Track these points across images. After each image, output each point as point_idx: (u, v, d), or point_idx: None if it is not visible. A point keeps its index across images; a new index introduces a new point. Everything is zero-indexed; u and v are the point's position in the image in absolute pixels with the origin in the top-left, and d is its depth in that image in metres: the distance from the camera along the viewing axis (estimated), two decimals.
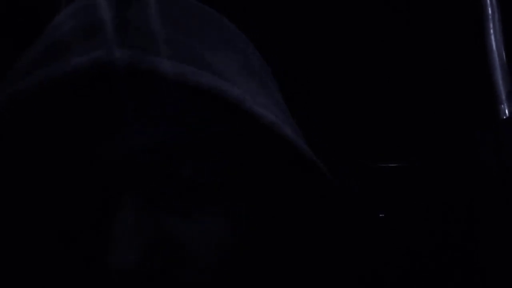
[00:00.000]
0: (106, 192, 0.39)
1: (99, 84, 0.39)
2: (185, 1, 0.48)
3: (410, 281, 0.86)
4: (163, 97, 0.40)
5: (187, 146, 0.41)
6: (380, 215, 0.90)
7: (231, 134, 0.42)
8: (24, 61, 0.45)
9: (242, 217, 0.43)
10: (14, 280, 0.41)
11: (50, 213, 0.40)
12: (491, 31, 1.00)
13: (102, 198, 0.39)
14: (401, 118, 1.04)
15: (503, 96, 0.97)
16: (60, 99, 0.39)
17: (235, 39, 0.49)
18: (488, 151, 0.97)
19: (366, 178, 0.94)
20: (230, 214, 0.42)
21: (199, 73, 0.40)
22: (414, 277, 0.86)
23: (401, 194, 0.95)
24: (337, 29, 0.98)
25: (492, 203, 0.93)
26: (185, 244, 0.40)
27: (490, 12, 1.01)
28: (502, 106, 0.97)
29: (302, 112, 0.52)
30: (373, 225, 0.88)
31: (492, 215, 0.92)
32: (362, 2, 1.03)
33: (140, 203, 0.39)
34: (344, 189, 0.47)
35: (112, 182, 0.39)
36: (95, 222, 0.39)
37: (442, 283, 0.87)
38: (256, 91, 0.45)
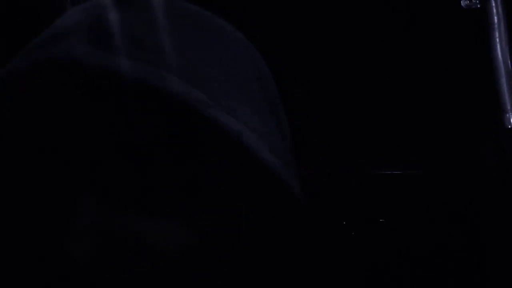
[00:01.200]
0: (70, 189, 0.40)
1: (58, 79, 0.40)
2: (188, 10, 0.48)
3: (412, 286, 0.85)
4: (118, 97, 0.41)
5: (151, 150, 0.41)
6: (380, 220, 0.89)
7: (199, 146, 0.42)
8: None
9: (205, 221, 0.43)
10: None
11: (15, 205, 0.41)
12: (497, 40, 0.99)
13: (66, 195, 0.40)
14: (404, 126, 1.03)
15: (509, 105, 0.96)
16: (25, 91, 0.41)
17: (233, 49, 0.48)
18: (492, 160, 0.96)
19: (367, 184, 0.93)
20: (191, 219, 0.42)
21: (158, 75, 0.40)
22: (415, 282, 0.85)
23: (402, 199, 0.94)
24: (342, 31, 0.98)
25: (496, 213, 0.92)
26: (142, 244, 0.40)
27: (496, 21, 1.00)
28: (507, 115, 0.96)
29: (302, 112, 0.52)
30: (374, 230, 0.88)
31: (495, 224, 0.91)
32: (365, 11, 1.03)
33: (103, 201, 0.40)
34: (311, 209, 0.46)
35: (76, 179, 0.40)
36: (59, 216, 0.40)
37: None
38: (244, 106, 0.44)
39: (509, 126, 0.96)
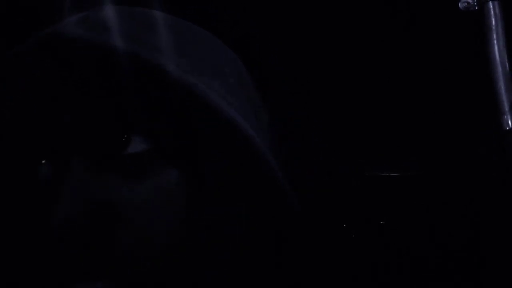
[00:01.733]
0: (59, 152, 0.42)
1: (47, 54, 0.43)
2: (179, 22, 0.50)
3: (412, 286, 0.85)
4: (109, 72, 0.42)
5: (134, 118, 0.43)
6: (381, 222, 0.90)
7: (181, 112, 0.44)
8: None
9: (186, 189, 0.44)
10: None
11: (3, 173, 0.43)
12: (495, 42, 1.00)
13: (55, 159, 0.42)
14: (403, 128, 1.03)
15: (506, 107, 0.96)
16: (24, 66, 0.44)
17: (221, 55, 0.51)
18: (490, 162, 0.96)
19: (367, 186, 0.94)
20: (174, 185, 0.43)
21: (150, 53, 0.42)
22: (415, 282, 0.85)
23: (401, 201, 0.94)
24: (343, 33, 0.98)
25: (495, 214, 0.92)
26: (123, 207, 0.41)
27: (493, 23, 1.01)
28: (505, 117, 0.96)
29: (303, 113, 0.52)
30: (374, 232, 0.88)
31: (494, 225, 0.91)
32: (365, 13, 1.03)
33: (88, 166, 0.41)
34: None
35: (65, 145, 0.42)
36: (45, 182, 0.42)
37: None
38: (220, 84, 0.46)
39: (507, 128, 0.96)
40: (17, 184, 0.43)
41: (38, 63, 0.43)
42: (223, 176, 0.45)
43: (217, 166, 0.45)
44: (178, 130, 0.44)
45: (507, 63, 0.98)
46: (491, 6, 1.00)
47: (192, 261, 0.43)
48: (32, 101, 0.44)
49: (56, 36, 0.43)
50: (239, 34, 0.53)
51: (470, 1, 1.02)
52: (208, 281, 0.44)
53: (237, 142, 0.44)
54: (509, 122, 0.96)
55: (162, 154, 0.43)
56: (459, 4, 1.02)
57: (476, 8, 1.02)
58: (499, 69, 0.98)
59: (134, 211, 0.42)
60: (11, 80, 0.45)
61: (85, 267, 0.40)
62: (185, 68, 0.44)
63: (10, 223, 0.43)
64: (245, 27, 0.50)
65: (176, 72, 0.43)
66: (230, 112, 0.44)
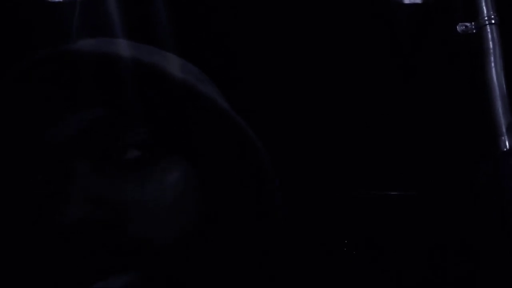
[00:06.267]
0: (65, 158, 0.44)
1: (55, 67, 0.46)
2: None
3: None
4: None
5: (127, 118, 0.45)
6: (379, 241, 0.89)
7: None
8: None
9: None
10: None
11: (17, 177, 0.45)
12: (492, 64, 1.01)
13: (61, 164, 0.44)
14: (401, 149, 1.04)
15: (504, 128, 0.97)
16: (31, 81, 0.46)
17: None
18: (488, 183, 0.96)
19: (366, 204, 0.94)
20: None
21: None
22: None
23: (398, 220, 0.94)
24: (344, 60, 0.99)
25: (491, 235, 0.92)
26: (126, 204, 0.43)
27: (491, 46, 1.02)
28: (503, 138, 0.97)
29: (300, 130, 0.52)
30: (373, 250, 0.88)
31: (491, 246, 0.91)
32: (363, 33, 1.05)
33: (91, 169, 0.43)
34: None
35: (69, 151, 0.44)
36: (55, 185, 0.43)
37: None
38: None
39: (504, 149, 0.97)
40: (26, 186, 0.44)
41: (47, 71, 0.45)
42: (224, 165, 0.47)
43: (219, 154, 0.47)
44: (181, 126, 0.45)
45: (504, 86, 1.00)
46: (489, 30, 1.02)
47: (202, 256, 0.44)
48: (40, 106, 0.45)
49: (65, 48, 0.45)
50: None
51: (468, 24, 1.04)
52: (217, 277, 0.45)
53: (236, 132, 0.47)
54: (507, 144, 0.97)
55: (167, 150, 0.45)
56: (458, 27, 1.04)
57: (474, 31, 1.03)
58: (497, 91, 0.99)
59: (143, 208, 0.43)
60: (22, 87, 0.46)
61: (97, 266, 0.40)
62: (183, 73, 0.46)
63: (20, 225, 0.44)
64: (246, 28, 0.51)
65: (178, 74, 0.45)
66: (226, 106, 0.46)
